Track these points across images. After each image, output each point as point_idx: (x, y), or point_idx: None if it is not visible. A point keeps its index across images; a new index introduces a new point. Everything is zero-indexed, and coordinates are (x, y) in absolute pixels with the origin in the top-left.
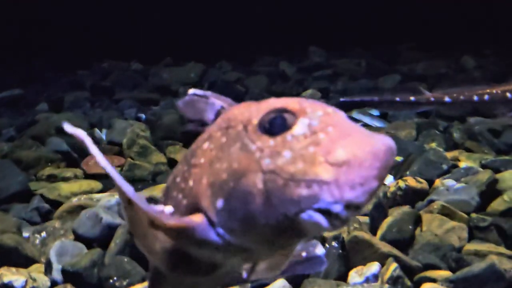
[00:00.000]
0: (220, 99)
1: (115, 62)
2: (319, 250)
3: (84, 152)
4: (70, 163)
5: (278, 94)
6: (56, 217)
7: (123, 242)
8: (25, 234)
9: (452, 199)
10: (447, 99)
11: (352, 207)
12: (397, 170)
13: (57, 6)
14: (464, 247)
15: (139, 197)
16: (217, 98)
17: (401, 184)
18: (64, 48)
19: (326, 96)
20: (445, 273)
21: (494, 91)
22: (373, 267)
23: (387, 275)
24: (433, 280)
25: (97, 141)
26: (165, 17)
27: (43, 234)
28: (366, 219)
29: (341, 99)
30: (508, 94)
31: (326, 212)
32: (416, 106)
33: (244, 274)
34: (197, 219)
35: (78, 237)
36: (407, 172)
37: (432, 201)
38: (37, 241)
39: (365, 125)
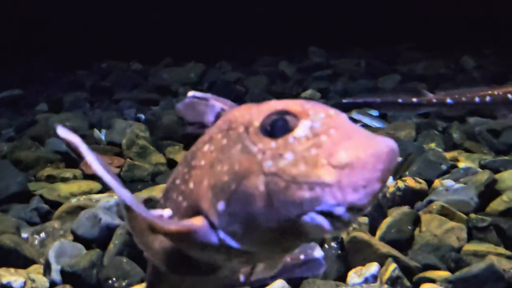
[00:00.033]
0: (219, 101)
1: (115, 62)
2: (318, 252)
3: None
4: (70, 163)
5: (278, 94)
6: (55, 218)
7: (122, 242)
8: (24, 234)
9: (451, 199)
10: (449, 100)
11: (355, 209)
12: (396, 171)
13: (57, 6)
14: (463, 247)
15: (137, 204)
16: (216, 100)
17: (400, 184)
18: (64, 48)
19: (325, 96)
20: (444, 274)
21: (496, 93)
22: (372, 267)
23: (386, 276)
24: (432, 281)
25: (96, 142)
26: (165, 17)
27: (42, 234)
28: (365, 219)
29: (344, 101)
30: (509, 96)
31: (328, 215)
32: (418, 107)
33: (242, 278)
34: (198, 222)
35: (77, 238)
36: (406, 173)
37: (431, 201)
38: (36, 242)
39: (365, 126)
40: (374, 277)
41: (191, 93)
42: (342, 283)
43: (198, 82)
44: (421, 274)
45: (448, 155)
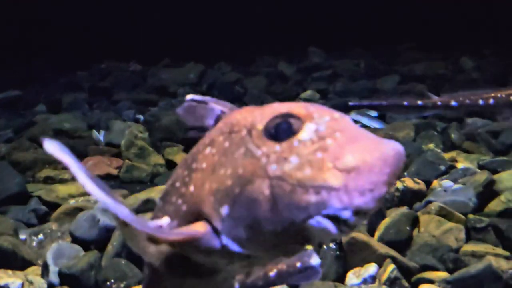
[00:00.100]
0: (219, 103)
1: (114, 63)
2: (315, 260)
3: (81, 154)
4: None
5: (277, 95)
6: (53, 219)
7: (120, 244)
8: (22, 236)
9: (450, 200)
10: (453, 103)
11: (361, 213)
12: None
13: (57, 6)
14: (462, 248)
15: (136, 219)
16: (216, 103)
17: (399, 185)
18: (64, 48)
19: (325, 97)
20: (442, 274)
21: (499, 95)
22: (371, 268)
23: (384, 276)
24: (431, 281)
25: (95, 143)
26: (164, 18)
27: (40, 236)
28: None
29: (350, 103)
30: None
31: (334, 218)
32: (423, 110)
33: (236, 286)
34: (201, 228)
35: (75, 239)
36: (405, 173)
37: (429, 202)
38: (34, 243)
39: (363, 126)
40: (373, 278)
41: (189, 96)
42: (340, 284)
43: (197, 82)
44: (420, 275)
45: (447, 155)
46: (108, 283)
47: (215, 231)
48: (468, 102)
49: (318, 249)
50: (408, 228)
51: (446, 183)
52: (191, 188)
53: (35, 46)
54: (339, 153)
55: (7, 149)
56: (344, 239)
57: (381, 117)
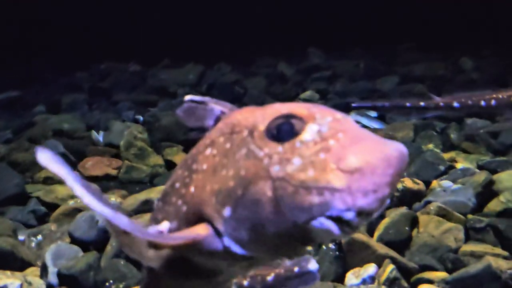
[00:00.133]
0: (219, 103)
1: (114, 64)
2: (312, 265)
3: (81, 155)
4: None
5: (277, 95)
6: (52, 220)
7: (119, 245)
8: (21, 237)
9: (449, 200)
10: (455, 104)
11: (364, 214)
12: None
13: (57, 6)
14: (461, 248)
15: (136, 227)
16: (215, 103)
17: (398, 185)
18: (63, 48)
19: (324, 98)
20: (441, 274)
21: (501, 96)
22: (370, 268)
23: (384, 277)
24: (430, 281)
25: (94, 143)
26: (164, 18)
27: (39, 237)
28: None
29: (354, 104)
30: None
31: (337, 219)
32: (425, 111)
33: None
34: (203, 231)
35: (74, 240)
36: (404, 173)
37: (429, 202)
38: (33, 244)
39: (363, 127)
40: (372, 278)
41: (188, 97)
42: (340, 284)
43: (197, 83)
44: (419, 275)
45: (446, 155)
46: (107, 283)
47: (217, 232)
48: (470, 103)
49: (317, 249)
50: (407, 228)
51: (446, 183)
52: (192, 189)
53: (35, 46)
54: (342, 154)
55: (6, 149)
56: (344, 239)
57: (381, 118)
